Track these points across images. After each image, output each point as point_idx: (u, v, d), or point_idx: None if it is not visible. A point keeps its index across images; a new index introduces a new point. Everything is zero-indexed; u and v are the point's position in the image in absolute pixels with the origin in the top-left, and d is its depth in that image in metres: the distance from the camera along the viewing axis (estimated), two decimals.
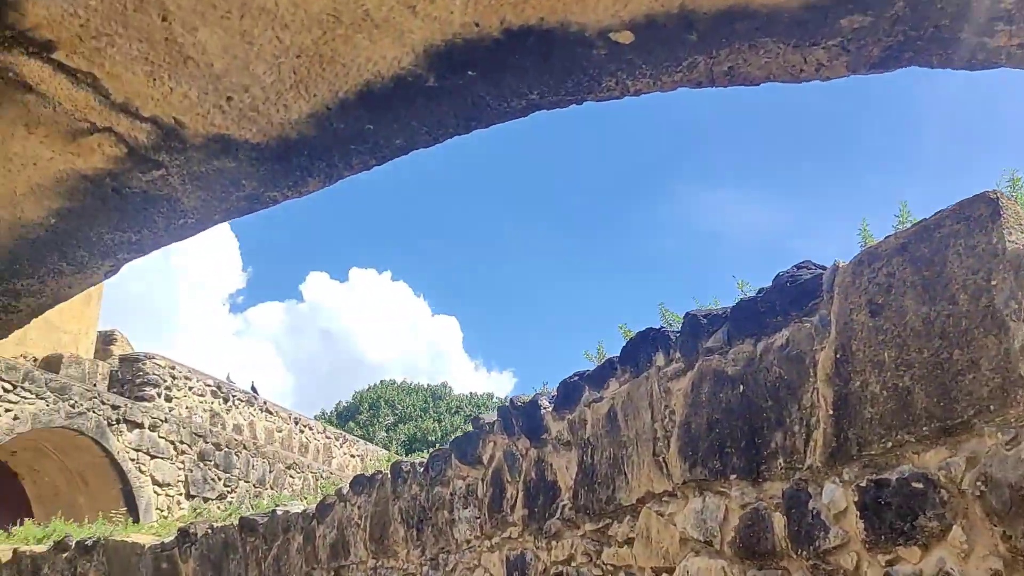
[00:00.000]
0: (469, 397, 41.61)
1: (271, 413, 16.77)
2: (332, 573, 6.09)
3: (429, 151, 1.84)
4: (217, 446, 14.05)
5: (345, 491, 6.12)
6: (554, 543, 4.11)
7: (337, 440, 18.42)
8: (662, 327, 3.60)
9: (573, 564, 3.96)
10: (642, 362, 3.61)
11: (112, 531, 7.44)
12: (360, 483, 5.97)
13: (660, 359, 3.51)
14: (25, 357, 12.36)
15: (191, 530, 7.05)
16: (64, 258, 2.05)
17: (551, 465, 4.19)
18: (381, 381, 45.19)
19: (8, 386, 10.72)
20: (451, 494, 5.05)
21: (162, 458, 12.94)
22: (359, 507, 5.93)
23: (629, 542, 3.61)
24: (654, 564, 3.46)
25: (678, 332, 3.45)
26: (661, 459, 3.43)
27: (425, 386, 44.95)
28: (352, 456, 18.50)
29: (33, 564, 7.47)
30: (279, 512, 6.64)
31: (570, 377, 4.12)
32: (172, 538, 7.13)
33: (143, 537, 7.35)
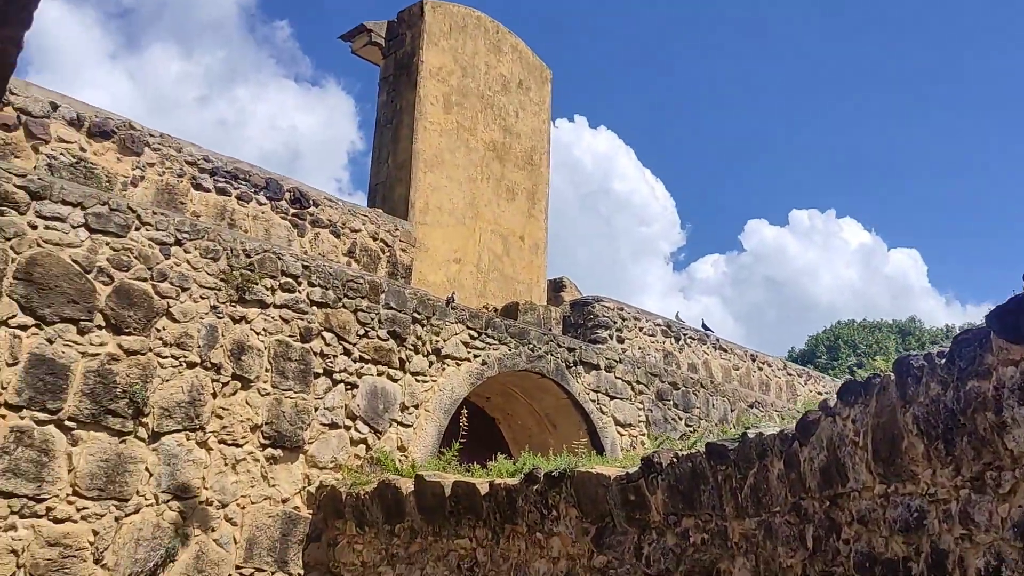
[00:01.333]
0: (945, 331, 36.78)
1: (725, 351, 15.89)
2: (826, 503, 4.91)
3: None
4: (674, 385, 13.54)
5: (832, 403, 4.88)
6: None
7: (800, 377, 16.94)
8: None
9: None
10: None
11: (577, 463, 7.10)
12: (851, 391, 4.69)
13: None
14: (486, 308, 13.00)
15: (655, 459, 6.36)
16: None
17: None
18: (838, 322, 42.08)
19: (474, 333, 11.23)
20: (995, 388, 3.57)
21: (620, 398, 12.76)
22: (853, 421, 4.66)
23: None
24: None
25: None
26: None
27: (890, 322, 40.83)
28: (819, 394, 16.85)
29: (508, 495, 7.43)
30: (750, 435, 5.62)
31: None
32: (636, 469, 6.52)
33: (608, 469, 6.88)
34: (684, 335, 15.32)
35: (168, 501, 8.24)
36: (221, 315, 8.94)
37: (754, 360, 16.41)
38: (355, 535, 9.08)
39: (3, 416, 7.42)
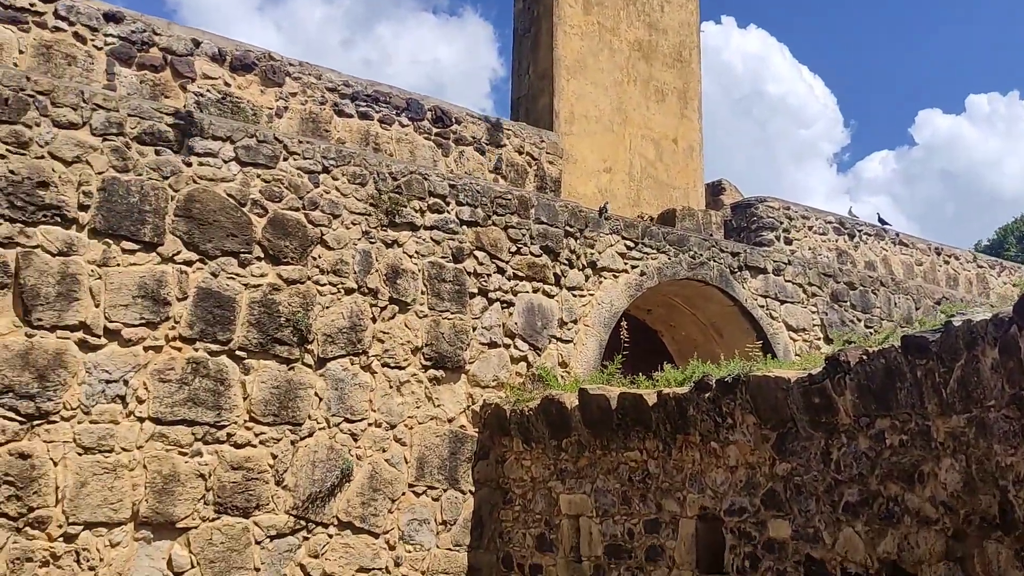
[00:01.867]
0: None
1: (906, 246, 14.64)
2: None
3: None
4: (850, 285, 12.58)
5: None
6: None
7: (992, 268, 15.42)
8: None
9: None
10: None
11: (751, 368, 6.59)
12: None
13: None
14: (641, 216, 12.45)
15: (842, 358, 5.77)
16: None
17: None
18: None
19: (630, 243, 10.75)
20: None
21: (792, 302, 11.97)
22: None
23: None
24: None
25: None
26: None
27: None
28: (1015, 285, 15.31)
29: (678, 405, 7.04)
30: (956, 323, 4.92)
31: None
32: (819, 370, 5.95)
33: (787, 372, 6.34)
34: (859, 231, 14.20)
35: (339, 424, 8.40)
36: (373, 240, 8.90)
37: (939, 254, 15.05)
38: (522, 451, 8.99)
39: (179, 349, 7.70)
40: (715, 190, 14.45)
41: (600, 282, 10.52)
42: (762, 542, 6.32)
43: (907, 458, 5.31)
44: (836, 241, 13.95)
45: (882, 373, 5.44)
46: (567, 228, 10.28)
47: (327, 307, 8.53)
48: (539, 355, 9.86)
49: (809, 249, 13.47)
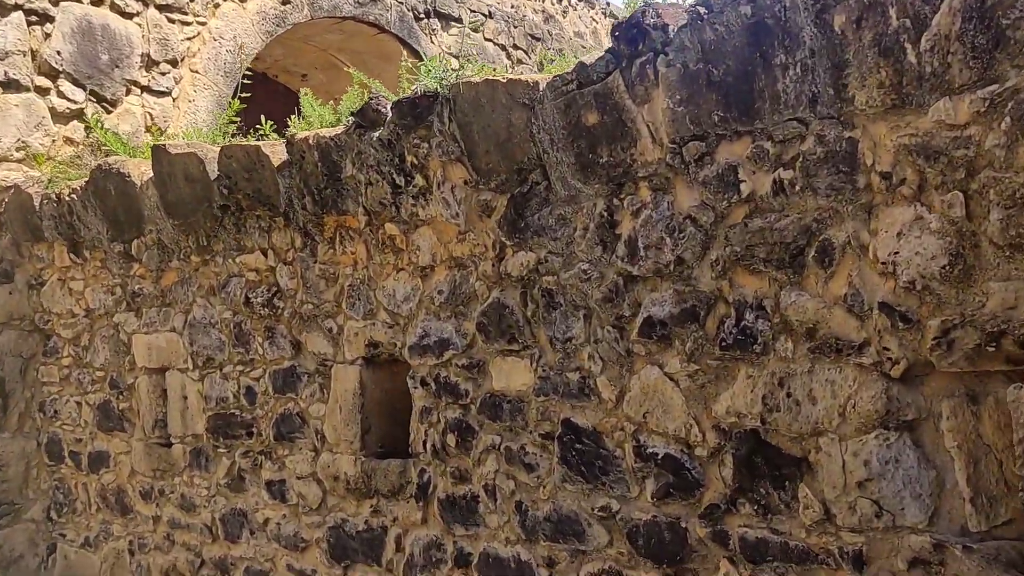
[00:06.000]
0: None
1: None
2: None
3: None
4: (560, 54, 9.83)
5: None
6: None
7: None
8: None
9: None
10: None
11: (459, 75, 3.45)
12: None
13: None
14: None
15: (648, 20, 2.76)
16: None
17: None
18: None
19: None
20: None
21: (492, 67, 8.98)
22: None
23: None
24: None
25: None
26: None
27: None
28: None
29: (325, 160, 3.77)
30: None
31: None
32: (599, 57, 2.91)
33: (534, 76, 3.24)
34: None
35: None
36: None
37: None
38: (68, 266, 5.26)
39: None
40: None
41: (217, 6, 6.69)
42: (480, 399, 3.41)
43: (804, 223, 2.53)
44: (543, 3, 11.12)
45: (742, 38, 2.51)
46: None
47: None
48: (110, 112, 5.97)
49: (511, 6, 10.49)
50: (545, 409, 3.16)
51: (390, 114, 3.54)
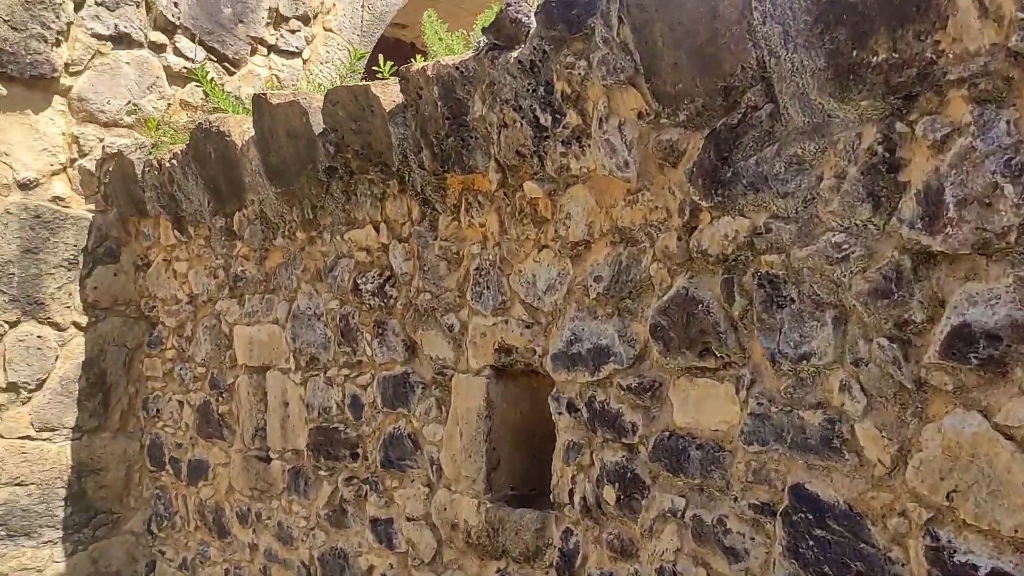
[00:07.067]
0: None
1: None
2: None
3: None
4: None
5: None
6: None
7: None
8: None
9: None
10: None
11: None
12: None
13: None
14: None
15: None
16: None
17: None
18: None
19: None
20: None
21: None
22: None
23: None
24: None
25: None
26: None
27: None
28: None
29: (447, 97, 2.80)
30: None
31: None
32: None
33: None
34: None
35: None
36: None
37: None
38: (174, 245, 4.57)
39: None
40: None
41: None
42: (654, 439, 2.29)
43: None
44: None
45: None
46: None
47: None
48: (232, 73, 5.28)
49: None
50: (761, 465, 2.00)
51: (534, 24, 2.49)
